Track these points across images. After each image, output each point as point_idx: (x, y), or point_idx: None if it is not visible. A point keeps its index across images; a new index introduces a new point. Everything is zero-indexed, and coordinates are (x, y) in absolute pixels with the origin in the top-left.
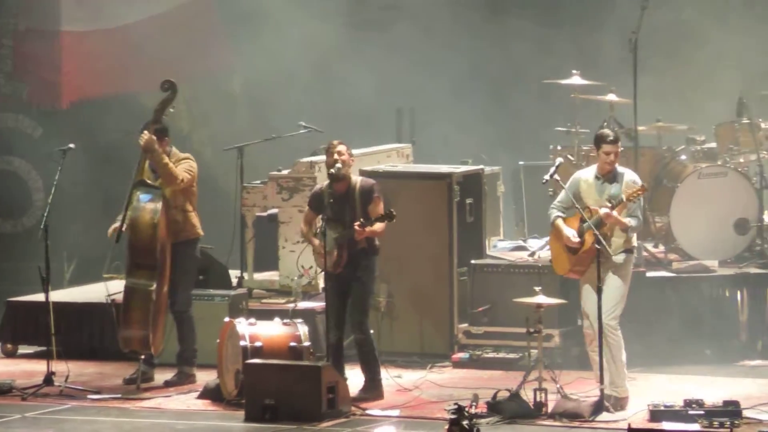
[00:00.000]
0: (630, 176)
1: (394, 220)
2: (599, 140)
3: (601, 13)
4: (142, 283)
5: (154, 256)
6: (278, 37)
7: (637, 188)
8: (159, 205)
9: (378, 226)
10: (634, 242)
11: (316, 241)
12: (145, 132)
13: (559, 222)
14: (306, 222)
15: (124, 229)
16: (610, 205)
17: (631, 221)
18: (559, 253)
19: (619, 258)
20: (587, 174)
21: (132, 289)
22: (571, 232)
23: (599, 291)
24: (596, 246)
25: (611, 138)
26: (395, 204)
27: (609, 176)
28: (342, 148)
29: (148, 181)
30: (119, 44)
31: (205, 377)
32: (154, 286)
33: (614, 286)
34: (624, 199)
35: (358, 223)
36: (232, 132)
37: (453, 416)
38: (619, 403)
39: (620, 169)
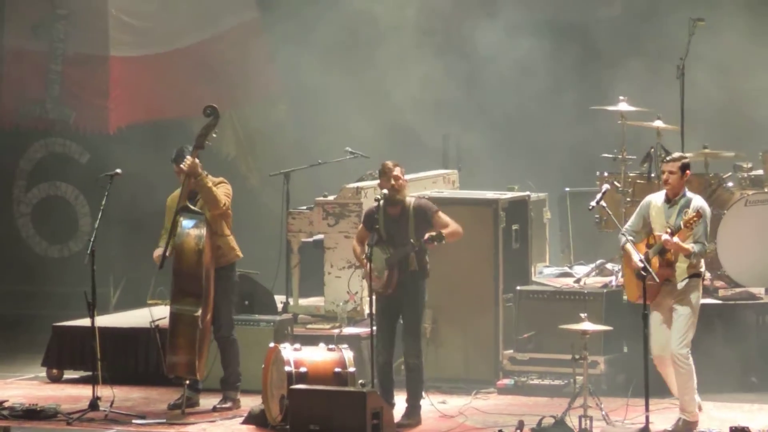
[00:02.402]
0: (697, 202)
1: (444, 241)
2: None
3: (650, 39)
4: (187, 309)
5: (200, 282)
6: (324, 61)
7: (693, 215)
8: (203, 230)
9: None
10: (702, 268)
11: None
12: (188, 157)
13: (629, 246)
14: (359, 240)
15: (168, 254)
16: (670, 231)
17: (694, 247)
18: (630, 279)
19: (683, 284)
20: (657, 198)
21: (178, 315)
22: (638, 257)
23: (645, 317)
24: (642, 273)
25: (667, 158)
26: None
27: (677, 201)
28: (398, 171)
29: (192, 207)
30: (166, 70)
31: (250, 402)
32: (200, 312)
33: (681, 314)
34: (681, 226)
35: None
36: (279, 157)
37: None
38: (688, 427)
39: (690, 194)
